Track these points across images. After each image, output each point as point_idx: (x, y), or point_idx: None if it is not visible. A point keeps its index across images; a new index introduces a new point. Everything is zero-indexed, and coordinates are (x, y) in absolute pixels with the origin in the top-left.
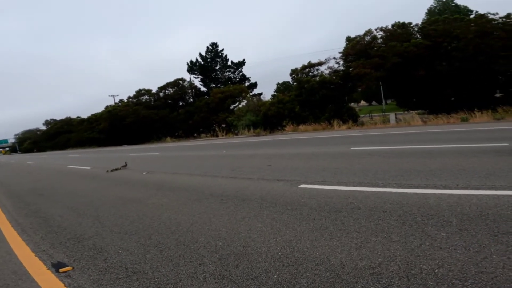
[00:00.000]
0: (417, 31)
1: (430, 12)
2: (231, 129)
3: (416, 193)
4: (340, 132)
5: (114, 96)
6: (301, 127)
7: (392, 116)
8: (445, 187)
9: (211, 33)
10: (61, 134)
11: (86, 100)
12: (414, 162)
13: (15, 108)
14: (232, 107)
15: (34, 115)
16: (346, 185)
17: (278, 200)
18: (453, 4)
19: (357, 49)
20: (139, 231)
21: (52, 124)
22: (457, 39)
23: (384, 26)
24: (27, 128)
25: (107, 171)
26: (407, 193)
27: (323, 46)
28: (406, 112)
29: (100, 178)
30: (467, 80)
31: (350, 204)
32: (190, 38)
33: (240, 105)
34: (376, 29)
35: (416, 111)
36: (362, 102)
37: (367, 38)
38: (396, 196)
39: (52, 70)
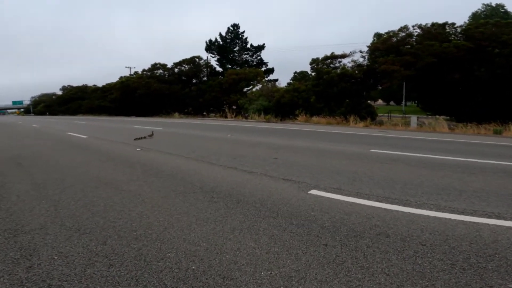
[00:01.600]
0: (459, 33)
1: (475, 16)
2: (241, 112)
3: (463, 222)
4: (357, 129)
5: (130, 68)
6: (314, 118)
7: (413, 118)
8: (498, 217)
9: (232, 15)
10: (74, 100)
11: (105, 71)
12: (450, 178)
13: (35, 73)
14: (245, 90)
15: (53, 81)
16: (368, 198)
17: (281, 209)
18: (502, 10)
19: (388, 44)
20: (95, 229)
21: (67, 90)
22: (504, 45)
23: (423, 24)
24: (44, 92)
25: (135, 139)
26: (451, 219)
27: (344, 40)
28: (429, 116)
29: (90, 150)
30: (507, 90)
31: (375, 228)
32: (210, 17)
33: (254, 89)
34: (413, 26)
35: (441, 117)
36: (380, 101)
37: (402, 34)
38: (436, 223)
39: (72, 40)
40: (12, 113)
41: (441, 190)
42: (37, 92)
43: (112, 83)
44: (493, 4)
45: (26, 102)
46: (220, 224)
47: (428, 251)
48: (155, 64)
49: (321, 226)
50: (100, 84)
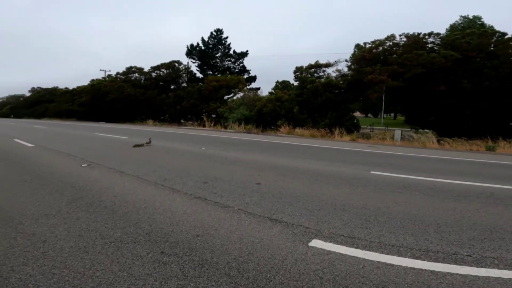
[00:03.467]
0: (444, 43)
1: (453, 28)
2: (220, 121)
3: None
4: (344, 143)
5: (105, 71)
6: (298, 130)
7: (397, 132)
8: None
9: (215, 21)
10: (42, 103)
11: (79, 74)
12: (489, 213)
13: (4, 74)
14: (226, 98)
15: (23, 83)
16: (398, 252)
17: (271, 280)
18: (479, 23)
19: (374, 53)
20: None
21: (35, 92)
22: (491, 56)
23: (411, 33)
24: (13, 93)
25: (133, 146)
26: None
27: (327, 50)
28: (413, 129)
29: (21, 164)
30: (495, 103)
31: None
32: (193, 24)
33: (235, 97)
34: (400, 35)
35: (425, 130)
36: (357, 113)
37: (388, 43)
38: None
39: (45, 42)
40: None
41: (492, 234)
42: (6, 93)
43: (83, 86)
44: (470, 16)
45: None
46: None
47: None
48: (131, 67)
49: None
50: (72, 87)
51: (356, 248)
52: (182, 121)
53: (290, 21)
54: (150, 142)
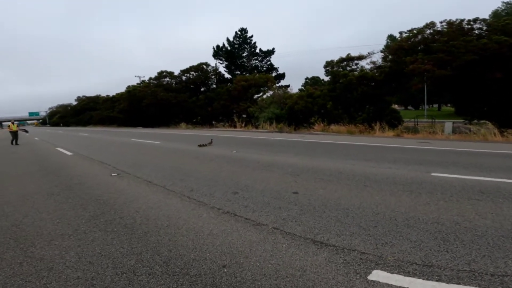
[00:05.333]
0: (488, 30)
1: (496, 15)
2: (251, 121)
3: None
4: (388, 140)
5: (140, 77)
6: (333, 127)
7: (448, 124)
8: None
9: (240, 20)
10: (86, 111)
11: (118, 81)
12: None
13: (52, 84)
14: (255, 97)
15: (70, 92)
16: (503, 284)
17: None
18: None
19: (414, 42)
20: None
21: (80, 101)
22: None
23: (454, 19)
24: (61, 102)
25: (199, 145)
26: None
27: (354, 43)
28: (465, 121)
29: (55, 175)
30: None
31: None
32: (217, 25)
33: (265, 96)
34: (441, 22)
35: (484, 121)
36: (395, 106)
37: (428, 31)
38: None
39: (85, 52)
40: (31, 124)
41: None
42: (55, 103)
43: (121, 93)
44: None
45: (42, 113)
46: None
47: None
48: (162, 72)
49: None
50: (112, 94)
51: (438, 281)
52: (213, 122)
53: (316, 15)
54: (211, 142)
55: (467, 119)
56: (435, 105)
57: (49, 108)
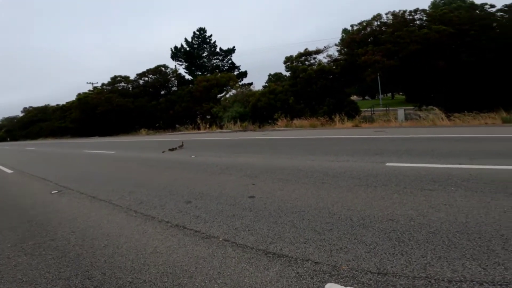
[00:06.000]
0: (432, 19)
1: (434, 5)
2: (216, 122)
3: None
4: (347, 130)
5: (92, 83)
6: (296, 121)
7: (400, 112)
8: None
9: (198, 21)
10: (35, 123)
11: (68, 88)
12: None
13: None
14: (219, 96)
15: (16, 103)
16: None
17: None
18: None
19: (364, 34)
20: None
21: (26, 112)
22: (486, 28)
23: (397, 10)
24: (6, 115)
25: (163, 151)
26: None
27: (313, 38)
28: (416, 108)
29: None
30: (500, 73)
31: None
32: (176, 26)
33: (228, 95)
34: (386, 14)
35: (431, 107)
36: (354, 97)
37: (376, 23)
38: None
39: (34, 60)
40: None
41: None
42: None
43: (71, 101)
44: None
45: None
46: None
47: None
48: (115, 77)
49: None
50: (63, 103)
51: None
52: (177, 126)
53: (275, 13)
54: (182, 145)
55: (416, 105)
56: (389, 94)
57: None
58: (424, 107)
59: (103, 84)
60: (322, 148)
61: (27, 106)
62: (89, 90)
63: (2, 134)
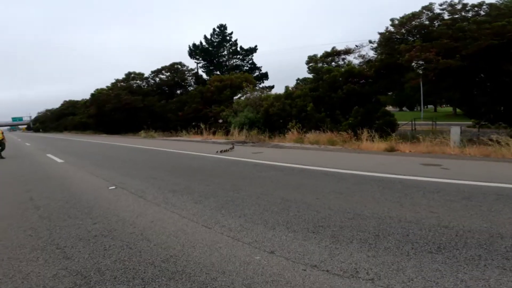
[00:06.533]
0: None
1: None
2: (224, 127)
3: None
4: (377, 158)
5: (116, 79)
6: (310, 135)
7: (455, 130)
8: None
9: (222, 20)
10: (65, 116)
11: (102, 84)
12: None
13: (38, 89)
14: (235, 99)
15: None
16: None
17: None
18: None
19: (410, 27)
20: None
21: (61, 105)
22: None
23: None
24: (49, 107)
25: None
26: None
27: (346, 40)
28: (476, 124)
29: None
30: None
31: None
32: (199, 24)
33: (243, 98)
34: (441, 4)
35: (499, 125)
36: (390, 107)
37: (424, 16)
38: None
39: (72, 55)
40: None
41: None
42: (42, 107)
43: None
44: None
45: (26, 118)
46: None
47: None
48: (129, 73)
49: None
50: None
51: None
52: (178, 129)
53: (305, 13)
54: (233, 147)
55: (476, 122)
56: (430, 106)
57: (38, 113)
58: (487, 124)
59: (117, 80)
60: (325, 201)
61: (67, 99)
62: (107, 86)
63: (37, 126)
